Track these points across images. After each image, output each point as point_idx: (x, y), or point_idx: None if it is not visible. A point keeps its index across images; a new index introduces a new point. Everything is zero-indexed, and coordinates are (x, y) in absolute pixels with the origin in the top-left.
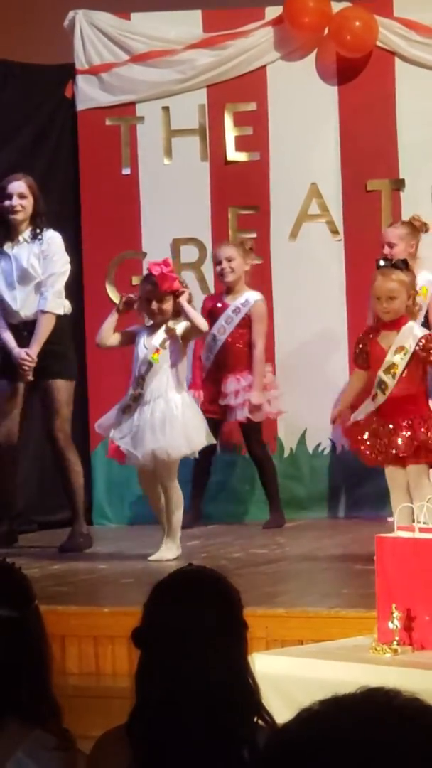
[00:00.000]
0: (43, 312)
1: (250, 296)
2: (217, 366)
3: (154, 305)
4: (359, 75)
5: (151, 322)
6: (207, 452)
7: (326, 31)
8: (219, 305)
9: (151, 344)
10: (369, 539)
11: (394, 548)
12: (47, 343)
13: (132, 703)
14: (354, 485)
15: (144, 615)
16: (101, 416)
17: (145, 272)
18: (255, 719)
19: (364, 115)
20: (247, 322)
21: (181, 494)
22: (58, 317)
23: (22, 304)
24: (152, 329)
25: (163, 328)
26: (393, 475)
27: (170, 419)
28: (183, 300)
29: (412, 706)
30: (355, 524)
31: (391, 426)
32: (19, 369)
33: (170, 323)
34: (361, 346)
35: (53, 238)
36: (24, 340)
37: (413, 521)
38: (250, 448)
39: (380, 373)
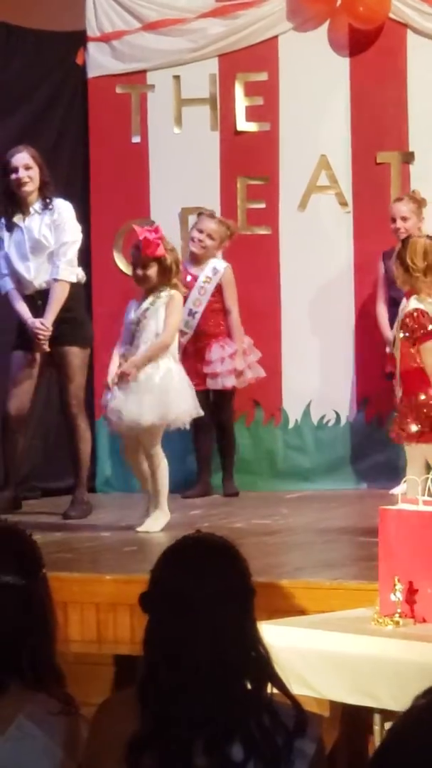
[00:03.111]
0: (55, 280)
1: (218, 264)
2: (198, 336)
3: (139, 271)
4: (371, 47)
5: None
6: (202, 425)
7: (338, 2)
8: (188, 278)
9: (139, 310)
10: (373, 511)
11: (397, 520)
12: (61, 311)
13: (139, 667)
14: (358, 457)
15: (151, 579)
16: None
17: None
18: (268, 687)
19: (375, 87)
20: (219, 290)
21: (165, 463)
22: (72, 285)
23: (36, 273)
24: (143, 297)
25: (150, 299)
26: (412, 449)
27: (147, 387)
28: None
29: None
30: (359, 496)
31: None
32: (35, 339)
33: (156, 297)
34: None
35: (64, 207)
36: (39, 310)
37: (422, 494)
38: (219, 415)
39: (393, 349)
